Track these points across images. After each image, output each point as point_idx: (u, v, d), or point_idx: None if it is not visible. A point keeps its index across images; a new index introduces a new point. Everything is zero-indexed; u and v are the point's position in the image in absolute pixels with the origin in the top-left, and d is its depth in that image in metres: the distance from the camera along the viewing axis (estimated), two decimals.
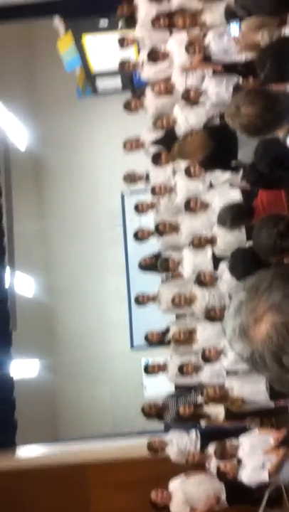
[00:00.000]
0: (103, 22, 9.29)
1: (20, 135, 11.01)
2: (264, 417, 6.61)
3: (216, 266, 7.08)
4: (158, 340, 7.65)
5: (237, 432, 6.49)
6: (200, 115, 7.04)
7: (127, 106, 7.76)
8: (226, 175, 6.92)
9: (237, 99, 3.20)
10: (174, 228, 7.49)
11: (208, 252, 7.24)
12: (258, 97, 3.09)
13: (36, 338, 10.86)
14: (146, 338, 7.66)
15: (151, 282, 8.01)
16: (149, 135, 7.74)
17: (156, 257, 7.63)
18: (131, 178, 7.81)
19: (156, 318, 8.02)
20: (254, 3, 2.35)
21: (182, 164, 7.09)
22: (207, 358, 6.82)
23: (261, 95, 3.13)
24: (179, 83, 7.15)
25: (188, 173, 6.96)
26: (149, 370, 7.40)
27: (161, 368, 7.29)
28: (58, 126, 11.13)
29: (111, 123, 10.63)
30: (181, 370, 6.95)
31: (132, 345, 10.96)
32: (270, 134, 3.56)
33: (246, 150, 5.69)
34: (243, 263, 5.16)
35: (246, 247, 5.96)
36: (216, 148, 5.77)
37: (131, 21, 7.59)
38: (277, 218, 4.26)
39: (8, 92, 10.28)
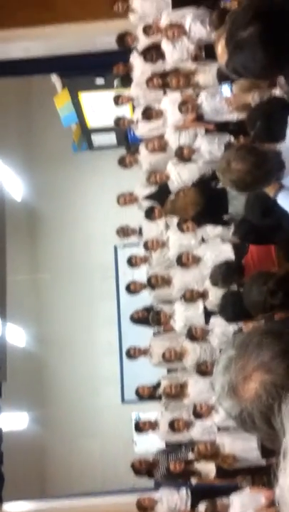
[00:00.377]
0: (99, 80, 9.55)
1: (16, 187, 11.15)
2: (255, 476, 6.51)
3: (207, 320, 7.10)
4: (149, 394, 7.60)
5: (228, 491, 6.39)
6: (193, 171, 7.18)
7: (122, 162, 7.92)
8: (218, 229, 7.01)
9: (228, 155, 3.28)
10: (166, 282, 7.53)
11: (199, 306, 7.26)
12: (248, 153, 3.17)
13: (26, 390, 10.74)
14: (137, 392, 7.61)
15: (143, 335, 8.00)
16: (142, 190, 7.87)
17: (148, 310, 7.65)
18: (124, 232, 7.90)
19: (147, 372, 7.98)
20: (243, 67, 2.47)
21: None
22: (198, 414, 6.77)
23: (252, 152, 3.21)
24: (172, 141, 7.31)
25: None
26: (139, 427, 7.31)
27: (152, 425, 7.20)
28: (54, 179, 11.29)
29: (105, 177, 10.80)
30: (172, 426, 6.87)
31: (122, 400, 10.84)
32: (259, 191, 3.63)
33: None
34: (234, 304, 5.18)
35: (236, 290, 6.00)
36: (207, 204, 5.89)
37: (126, 80, 7.82)
38: (266, 276, 4.30)
39: (5, 145, 10.47)
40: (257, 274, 4.50)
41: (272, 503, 5.79)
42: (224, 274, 5.76)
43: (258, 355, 1.30)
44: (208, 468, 6.75)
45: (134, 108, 8.06)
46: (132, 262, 7.90)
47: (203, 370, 6.81)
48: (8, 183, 10.83)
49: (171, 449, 7.16)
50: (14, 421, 10.25)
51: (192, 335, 7.07)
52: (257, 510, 5.97)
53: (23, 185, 11.33)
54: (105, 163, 10.53)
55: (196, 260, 7.22)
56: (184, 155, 7.11)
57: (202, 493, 6.55)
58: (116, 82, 8.08)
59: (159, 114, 7.34)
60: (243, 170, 3.08)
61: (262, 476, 6.50)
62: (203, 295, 7.14)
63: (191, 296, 7.17)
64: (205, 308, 7.15)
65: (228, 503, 6.21)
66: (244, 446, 6.39)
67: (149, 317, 7.53)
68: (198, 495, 6.51)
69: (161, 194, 7.61)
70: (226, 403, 1.36)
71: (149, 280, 7.63)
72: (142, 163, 7.73)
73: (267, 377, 1.28)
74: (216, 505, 6.21)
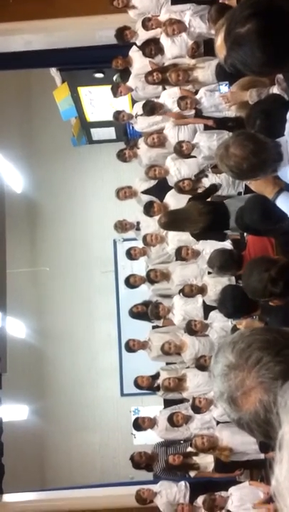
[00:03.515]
0: (98, 75, 9.56)
1: (15, 180, 11.16)
2: (254, 470, 6.57)
3: (206, 314, 7.13)
4: (148, 385, 7.61)
5: (227, 484, 6.45)
6: (192, 166, 7.19)
7: (121, 155, 7.92)
8: None
9: (227, 140, 3.26)
10: (165, 276, 7.56)
11: (198, 299, 7.29)
12: (248, 140, 3.15)
13: (26, 382, 10.80)
14: (136, 382, 7.62)
15: (142, 329, 8.03)
16: (141, 184, 7.87)
17: (147, 304, 7.66)
18: (122, 226, 7.91)
19: (146, 365, 8.02)
20: (242, 63, 2.46)
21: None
22: (197, 407, 6.81)
23: (251, 139, 3.19)
24: (172, 136, 7.32)
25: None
26: (138, 424, 7.34)
27: (151, 422, 7.24)
28: (53, 172, 11.30)
29: (104, 171, 10.82)
30: (171, 420, 6.91)
31: (121, 393, 10.90)
32: (252, 178, 3.59)
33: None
34: (234, 299, 5.12)
35: (236, 284, 6.01)
36: (211, 220, 5.86)
37: (125, 74, 7.80)
38: (269, 262, 4.27)
39: (5, 138, 10.46)
40: (260, 259, 4.46)
41: (270, 499, 5.86)
42: (223, 262, 5.71)
43: (258, 373, 1.31)
44: (206, 462, 6.81)
45: (133, 102, 8.05)
46: (130, 254, 7.91)
47: (202, 364, 6.85)
48: (7, 176, 10.84)
49: (170, 443, 7.21)
50: (14, 413, 10.31)
51: (191, 329, 7.10)
52: (255, 504, 6.04)
53: (22, 178, 11.34)
54: (104, 157, 10.55)
55: (195, 255, 7.24)
56: (183, 150, 7.12)
57: (201, 486, 6.60)
58: (115, 77, 8.06)
59: (160, 107, 7.34)
60: (240, 155, 3.06)
61: (260, 470, 6.57)
62: (202, 290, 7.17)
63: (190, 291, 7.20)
64: (204, 302, 7.19)
65: (227, 497, 6.27)
66: (243, 440, 6.42)
67: (148, 311, 7.56)
68: (196, 488, 6.57)
69: (160, 189, 7.63)
70: (224, 406, 1.38)
71: (148, 274, 7.65)
72: (142, 157, 7.73)
73: (266, 397, 1.29)
74: (215, 498, 6.27)
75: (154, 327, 7.95)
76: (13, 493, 8.69)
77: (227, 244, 6.89)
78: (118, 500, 7.62)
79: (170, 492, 6.66)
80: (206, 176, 7.06)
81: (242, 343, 1.37)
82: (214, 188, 6.79)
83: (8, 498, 8.63)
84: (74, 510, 7.83)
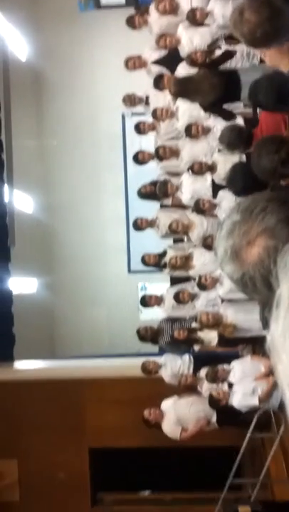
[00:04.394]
0: None
1: (20, 47, 10.66)
2: (256, 345, 6.76)
3: (215, 194, 7.04)
4: (154, 262, 7.69)
5: (229, 358, 6.66)
6: (205, 36, 6.78)
7: (130, 22, 7.46)
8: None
9: (242, 4, 3.11)
10: (174, 153, 7.39)
11: (207, 178, 7.17)
12: (263, 5, 2.99)
13: (34, 255, 10.94)
14: (143, 259, 7.70)
15: (150, 208, 7.98)
16: (151, 54, 7.49)
17: (156, 184, 7.55)
18: (130, 100, 7.60)
19: (154, 243, 8.05)
20: None
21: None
22: (203, 285, 6.89)
23: (267, 5, 3.04)
24: (185, 2, 6.86)
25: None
26: (145, 301, 7.48)
27: (158, 300, 7.36)
28: (59, 39, 10.75)
29: (113, 40, 10.26)
30: (177, 297, 7.02)
31: (129, 270, 11.04)
32: (265, 47, 3.42)
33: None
34: (244, 176, 5.02)
35: (247, 162, 5.89)
36: (224, 89, 5.61)
37: None
38: (279, 143, 4.19)
39: (9, 1, 9.88)
40: (269, 139, 4.37)
41: (270, 372, 6.07)
42: (232, 139, 5.62)
43: (263, 221, 1.30)
44: (210, 337, 7.00)
45: None
46: (139, 128, 7.66)
47: (209, 243, 6.85)
48: (12, 42, 10.34)
49: (176, 318, 7.38)
50: (24, 285, 10.53)
51: (199, 208, 7.05)
52: (257, 377, 6.27)
53: (27, 45, 10.82)
54: (113, 24, 9.96)
55: (206, 132, 7.04)
56: (196, 18, 6.69)
57: (204, 360, 6.83)
58: None
59: None
60: (255, 22, 2.92)
61: (263, 346, 6.75)
62: (212, 168, 7.03)
63: (199, 169, 7.07)
64: (213, 182, 7.07)
65: (229, 370, 6.50)
66: (246, 317, 6.56)
67: (156, 188, 7.47)
68: (200, 361, 6.80)
69: (171, 59, 7.26)
70: (228, 267, 1.36)
71: (156, 151, 7.47)
72: (152, 25, 7.28)
73: (270, 242, 1.29)
74: (217, 370, 6.51)
75: (162, 206, 7.88)
76: (23, 360, 9.07)
77: (238, 121, 6.67)
78: (125, 370, 7.94)
79: (174, 364, 6.90)
80: (219, 47, 6.69)
81: (247, 201, 1.36)
82: (229, 54, 6.46)
83: (19, 365, 9.01)
84: (82, 378, 8.18)
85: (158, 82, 7.08)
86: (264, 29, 3.01)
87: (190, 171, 7.13)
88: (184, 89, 6.02)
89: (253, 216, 1.31)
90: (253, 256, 1.30)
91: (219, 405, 6.31)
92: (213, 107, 6.18)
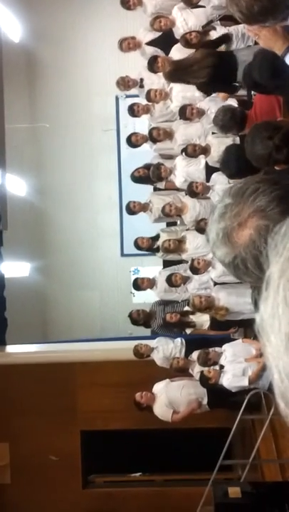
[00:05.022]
0: None
1: (13, 27, 10.55)
2: (248, 328, 6.76)
3: (208, 176, 7.00)
4: (148, 246, 7.67)
5: (221, 341, 6.66)
6: (200, 17, 6.73)
7: (124, 2, 7.38)
8: None
9: None
10: (168, 135, 7.34)
11: (201, 161, 7.13)
12: None
13: (27, 239, 10.89)
14: (136, 243, 7.66)
15: (143, 191, 7.94)
16: (146, 35, 7.41)
17: (149, 167, 7.50)
18: (124, 83, 7.53)
19: (146, 226, 8.02)
20: None
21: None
22: (195, 268, 6.88)
23: None
24: None
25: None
26: (138, 284, 7.45)
27: (150, 283, 7.34)
28: (52, 20, 10.65)
29: (107, 21, 10.17)
30: (170, 280, 7.01)
31: (122, 253, 11.01)
32: (262, 22, 3.38)
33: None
34: (238, 159, 4.97)
35: (241, 144, 5.85)
36: (219, 67, 5.55)
37: None
38: (273, 128, 4.16)
39: None
40: (263, 125, 4.33)
41: (261, 354, 6.07)
42: (226, 121, 5.57)
43: (254, 201, 1.29)
44: (202, 320, 7.00)
45: None
46: (133, 110, 7.59)
47: (202, 227, 6.82)
48: (5, 23, 10.22)
49: (168, 301, 7.37)
50: (16, 269, 10.49)
51: (192, 190, 7.01)
52: (247, 359, 6.28)
53: (20, 26, 10.70)
54: (107, 4, 9.87)
55: (200, 114, 6.99)
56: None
57: (196, 343, 6.83)
58: None
59: None
60: None
61: (253, 329, 6.76)
62: (206, 150, 7.00)
63: (193, 151, 7.03)
64: (206, 164, 7.03)
65: (221, 352, 6.50)
66: (238, 301, 6.56)
67: (150, 172, 7.42)
68: (192, 345, 6.79)
69: (165, 40, 7.19)
70: (219, 251, 1.35)
71: (150, 133, 7.43)
72: (147, 5, 7.22)
73: (262, 223, 1.27)
74: (209, 352, 6.50)
75: (155, 189, 7.85)
76: (15, 344, 9.05)
77: (233, 104, 6.63)
78: (116, 353, 7.93)
79: (166, 348, 6.90)
80: (214, 29, 6.63)
81: (239, 184, 1.35)
82: (226, 37, 6.40)
83: (11, 349, 9.00)
84: (74, 361, 8.17)
85: (152, 64, 7.00)
86: (262, 4, 2.96)
87: (183, 153, 7.09)
88: (178, 68, 5.96)
89: (245, 198, 1.30)
90: (245, 237, 1.29)
91: (210, 384, 6.32)
92: (214, 85, 6.11)
